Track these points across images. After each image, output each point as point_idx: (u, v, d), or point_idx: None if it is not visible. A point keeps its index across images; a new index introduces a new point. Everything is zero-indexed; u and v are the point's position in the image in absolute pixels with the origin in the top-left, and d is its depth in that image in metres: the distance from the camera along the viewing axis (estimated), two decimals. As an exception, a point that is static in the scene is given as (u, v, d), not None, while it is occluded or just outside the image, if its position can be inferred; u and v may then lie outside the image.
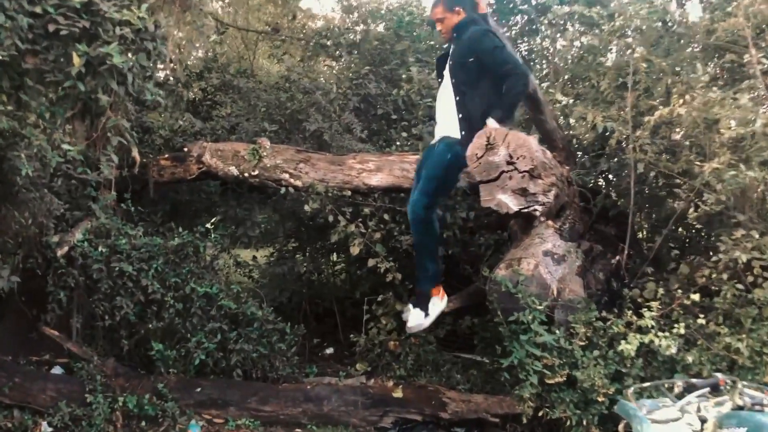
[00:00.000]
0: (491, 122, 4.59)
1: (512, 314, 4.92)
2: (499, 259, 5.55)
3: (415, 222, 4.76)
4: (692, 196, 5.26)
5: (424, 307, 4.87)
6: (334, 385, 5.67)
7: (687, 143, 5.50)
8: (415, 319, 4.88)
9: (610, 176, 6.77)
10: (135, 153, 5.68)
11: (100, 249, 5.51)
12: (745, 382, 3.30)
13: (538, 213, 4.87)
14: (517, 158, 4.71)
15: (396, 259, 5.97)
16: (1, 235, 4.96)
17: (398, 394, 5.39)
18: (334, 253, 8.42)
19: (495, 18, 5.93)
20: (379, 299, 6.16)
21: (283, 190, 6.27)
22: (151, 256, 5.66)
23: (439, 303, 4.92)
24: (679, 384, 3.50)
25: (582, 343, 4.92)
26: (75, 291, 5.60)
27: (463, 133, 4.70)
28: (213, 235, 6.18)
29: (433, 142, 5.02)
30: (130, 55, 3.87)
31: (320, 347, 7.39)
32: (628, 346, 4.71)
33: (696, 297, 4.89)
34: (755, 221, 5.02)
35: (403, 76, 7.13)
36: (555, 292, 5.05)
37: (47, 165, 4.71)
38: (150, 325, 5.55)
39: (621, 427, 3.74)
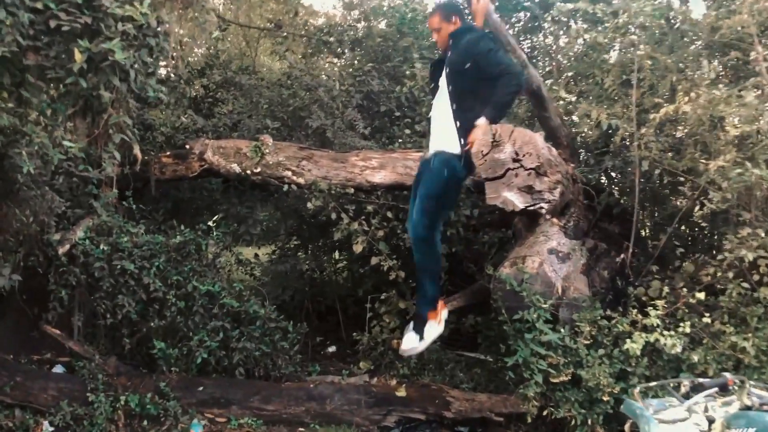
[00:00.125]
0: (481, 121, 4.45)
1: (517, 312, 4.89)
2: (504, 257, 5.53)
3: (417, 242, 4.62)
4: (697, 194, 5.24)
5: (420, 331, 4.71)
6: (337, 384, 5.65)
7: (691, 141, 5.47)
8: (409, 342, 4.73)
9: (613, 174, 6.75)
10: (136, 150, 5.65)
11: (101, 247, 5.48)
12: (752, 382, 3.27)
13: (543, 211, 4.85)
14: (523, 155, 4.68)
15: (399, 257, 5.95)
16: (2, 233, 4.94)
17: (401, 392, 5.36)
18: (336, 251, 8.40)
19: (498, 15, 5.86)
20: (383, 297, 6.13)
21: (285, 187, 6.25)
22: (152, 254, 5.63)
23: (435, 327, 4.75)
24: (685, 383, 3.48)
25: (587, 342, 4.90)
26: (76, 289, 5.57)
27: (462, 141, 4.53)
28: (215, 233, 6.15)
29: (426, 156, 4.82)
30: (132, 51, 3.82)
31: (323, 345, 7.36)
32: (634, 345, 4.69)
33: (701, 296, 4.86)
34: (761, 219, 5.00)
35: (407, 72, 7.09)
36: (560, 291, 5.02)
37: (48, 162, 4.68)
38: (152, 324, 5.52)
39: (627, 426, 3.71)
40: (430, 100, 6.47)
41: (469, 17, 5.23)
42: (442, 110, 4.68)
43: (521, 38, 8.42)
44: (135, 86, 3.94)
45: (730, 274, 4.89)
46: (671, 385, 3.60)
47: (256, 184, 6.80)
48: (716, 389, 3.24)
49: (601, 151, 6.35)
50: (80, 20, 3.64)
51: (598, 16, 6.95)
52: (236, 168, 6.45)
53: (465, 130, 4.51)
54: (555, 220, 5.37)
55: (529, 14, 8.33)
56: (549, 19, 8.03)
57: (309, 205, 6.03)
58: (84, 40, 3.65)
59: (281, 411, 5.27)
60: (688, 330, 4.75)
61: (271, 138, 6.54)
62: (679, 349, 4.71)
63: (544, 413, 4.93)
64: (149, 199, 6.91)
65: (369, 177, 6.09)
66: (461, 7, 4.91)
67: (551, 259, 5.11)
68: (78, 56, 3.64)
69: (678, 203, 6.06)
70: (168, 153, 6.94)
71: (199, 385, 5.35)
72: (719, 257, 4.94)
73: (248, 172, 6.40)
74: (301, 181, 6.23)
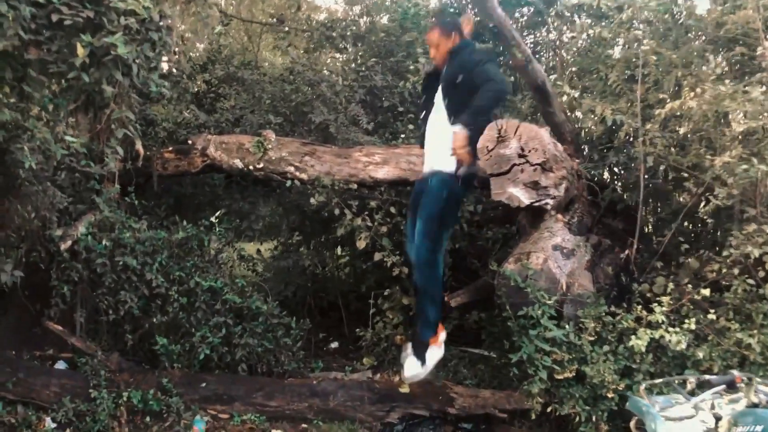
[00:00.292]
0: (456, 128, 4.37)
1: (521, 309, 4.88)
2: (507, 253, 5.51)
3: (420, 266, 4.58)
4: (702, 190, 5.21)
5: (421, 356, 4.64)
6: (340, 380, 5.64)
7: (696, 137, 5.45)
8: (412, 369, 4.66)
9: (616, 169, 6.73)
10: (139, 146, 5.61)
11: (103, 243, 5.46)
12: (759, 379, 3.24)
13: (549, 207, 4.83)
14: (529, 151, 4.66)
15: (402, 252, 5.92)
16: (4, 229, 4.91)
17: (405, 389, 5.34)
18: (339, 247, 8.38)
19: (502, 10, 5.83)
20: (386, 293, 6.11)
21: (288, 183, 6.22)
22: (155, 250, 5.62)
23: (437, 351, 4.70)
24: (691, 380, 3.45)
25: (591, 338, 4.89)
26: (78, 285, 5.55)
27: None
28: (218, 229, 6.13)
29: (423, 174, 4.76)
30: (134, 45, 3.79)
31: (325, 342, 7.35)
32: (639, 342, 4.67)
33: (706, 292, 4.84)
34: (766, 216, 4.98)
35: (410, 67, 7.05)
36: (564, 287, 5.00)
37: (50, 158, 4.65)
38: (154, 320, 5.51)
39: (632, 423, 3.69)
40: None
41: None
42: (438, 126, 4.63)
43: (525, 33, 8.38)
44: (137, 81, 3.91)
45: (736, 271, 4.87)
46: (676, 382, 3.57)
47: (258, 179, 6.77)
48: (724, 386, 3.22)
49: (605, 146, 6.33)
50: (82, 14, 3.61)
51: (603, 11, 6.94)
52: (239, 163, 6.42)
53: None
54: (559, 216, 5.35)
55: (533, 9, 8.28)
56: (553, 14, 7.99)
57: (312, 200, 6.01)
58: (86, 35, 3.62)
59: (284, 407, 5.26)
60: (693, 326, 4.73)
61: (274, 133, 6.51)
62: (683, 346, 4.69)
63: (549, 410, 4.93)
64: (151, 195, 6.89)
65: (372, 173, 6.06)
66: (460, 22, 4.82)
67: (556, 255, 5.09)
68: (80, 50, 3.61)
69: (681, 199, 6.04)
70: (170, 148, 6.91)
71: (202, 382, 5.34)
72: (724, 254, 4.92)
73: (251, 167, 6.38)
74: (304, 176, 6.20)
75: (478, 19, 7.64)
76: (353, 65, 8.23)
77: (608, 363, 4.76)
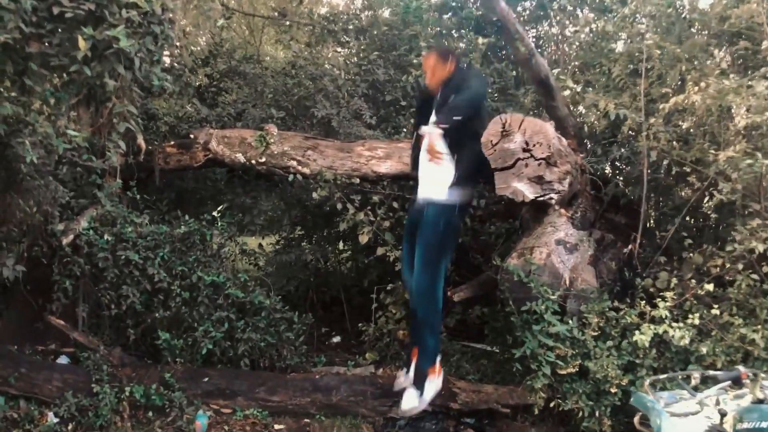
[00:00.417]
0: (426, 129, 4.37)
1: (524, 304, 4.87)
2: (510, 248, 5.50)
3: (420, 296, 4.54)
4: (705, 185, 5.19)
5: (420, 387, 4.61)
6: (342, 375, 5.63)
7: (700, 131, 5.43)
8: (410, 401, 4.62)
9: (618, 164, 6.71)
10: (140, 140, 5.61)
11: (105, 237, 5.45)
12: (764, 375, 3.23)
13: (553, 201, 4.80)
14: (534, 145, 4.63)
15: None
16: (6, 224, 4.90)
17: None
18: (341, 241, 8.37)
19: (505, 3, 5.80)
20: (389, 288, 6.09)
21: (291, 177, 6.20)
22: (157, 245, 5.60)
23: (435, 382, 4.67)
24: (695, 376, 3.43)
25: (595, 334, 4.89)
26: (81, 280, 5.54)
27: (458, 174, 4.44)
28: (220, 223, 6.12)
29: (418, 202, 4.64)
30: (136, 39, 3.77)
31: (328, 336, 7.34)
32: (643, 337, 4.67)
33: (710, 287, 4.83)
34: (770, 211, 4.96)
35: (414, 61, 7.02)
36: (567, 282, 5.00)
37: (52, 152, 4.64)
38: (156, 314, 5.50)
39: (636, 419, 3.68)
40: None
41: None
42: None
43: (527, 27, 8.35)
44: (140, 75, 3.90)
45: (740, 266, 4.85)
46: (680, 377, 3.56)
47: (260, 174, 6.75)
48: (729, 382, 3.20)
49: (608, 141, 6.31)
50: (84, 7, 3.59)
51: (606, 4, 6.92)
52: (241, 158, 6.40)
53: (461, 163, 4.44)
54: (563, 210, 5.33)
55: (535, 3, 8.26)
56: (556, 7, 7.97)
57: (315, 195, 5.99)
58: (88, 27, 3.60)
59: (287, 402, 5.25)
60: (696, 322, 4.72)
61: (276, 127, 6.49)
62: (687, 341, 4.68)
63: (551, 405, 4.92)
64: (153, 189, 6.87)
65: (375, 167, 6.04)
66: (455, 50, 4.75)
67: (559, 250, 5.08)
68: (82, 44, 3.59)
69: (683, 194, 6.02)
70: (172, 143, 6.89)
71: (204, 376, 5.33)
72: (728, 249, 4.90)
73: (253, 161, 6.35)
74: (306, 171, 6.18)
75: (481, 12, 7.64)
76: (355, 59, 8.20)
77: (611, 358, 4.76)
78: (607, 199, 5.93)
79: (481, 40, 7.08)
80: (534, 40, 8.01)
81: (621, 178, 6.51)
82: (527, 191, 4.67)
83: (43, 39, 3.75)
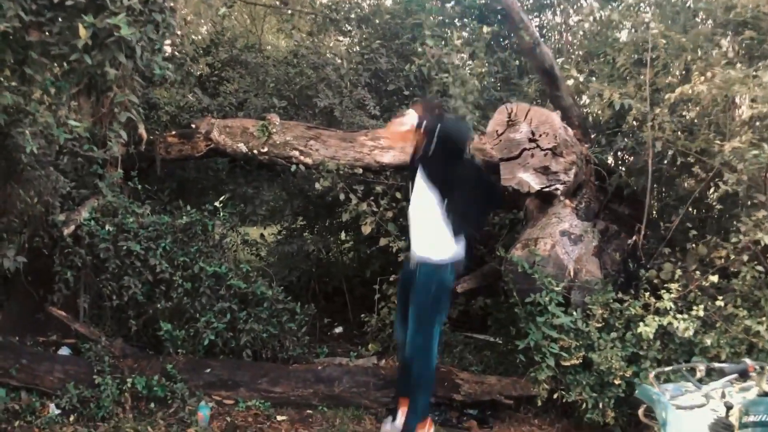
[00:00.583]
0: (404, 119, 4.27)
1: (528, 295, 4.85)
2: (514, 239, 5.48)
3: (415, 353, 4.45)
4: (711, 175, 5.16)
5: None
6: (345, 366, 5.62)
7: (705, 122, 5.39)
8: None
9: (620, 153, 6.68)
10: (141, 130, 5.58)
11: (107, 228, 5.42)
12: (771, 367, 3.21)
13: (559, 192, 4.77)
14: (540, 135, 4.60)
15: (408, 237, 5.88)
16: (6, 215, 4.87)
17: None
18: (343, 232, 8.35)
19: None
20: (392, 279, 6.07)
21: (293, 167, 6.16)
22: (158, 235, 5.58)
23: None
24: (701, 368, 3.41)
25: (599, 325, 4.86)
26: (82, 270, 5.52)
27: (450, 230, 4.33)
28: (222, 214, 6.09)
29: (412, 261, 4.49)
30: (137, 27, 3.73)
31: (330, 327, 7.33)
32: (647, 329, 4.65)
33: (714, 278, 4.81)
34: (776, 202, 4.92)
35: (419, 50, 6.97)
36: (572, 273, 4.97)
37: (53, 142, 4.60)
38: (158, 305, 5.48)
39: (641, 411, 3.66)
40: (443, 78, 6.31)
41: None
42: (420, 211, 4.47)
43: (531, 16, 8.30)
44: (141, 64, 3.85)
45: (744, 257, 4.83)
46: (685, 369, 3.53)
47: (262, 164, 6.71)
48: (736, 375, 3.18)
49: (612, 131, 6.27)
50: (84, -6, 3.56)
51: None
52: (243, 147, 6.37)
53: (452, 218, 4.33)
54: (567, 201, 5.30)
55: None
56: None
57: (317, 185, 5.95)
58: (88, 15, 3.55)
59: (289, 393, 5.23)
60: (701, 313, 4.69)
61: (278, 117, 6.45)
62: (691, 333, 4.66)
63: (555, 396, 4.91)
64: (154, 180, 6.84)
65: (378, 157, 6.00)
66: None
67: (563, 241, 5.05)
68: (82, 32, 3.54)
69: (687, 185, 5.99)
70: (174, 132, 6.85)
71: (207, 367, 5.31)
72: (733, 240, 4.87)
73: (255, 151, 6.32)
74: (308, 161, 6.15)
75: (485, 1, 7.58)
76: (358, 48, 8.15)
77: (615, 350, 4.74)
78: (611, 189, 5.90)
79: (485, 29, 7.03)
80: (537, 29, 7.95)
81: (623, 169, 6.48)
82: (533, 182, 4.65)
83: (43, 27, 3.71)
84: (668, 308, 4.71)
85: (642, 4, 6.70)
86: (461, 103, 5.84)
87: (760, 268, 4.77)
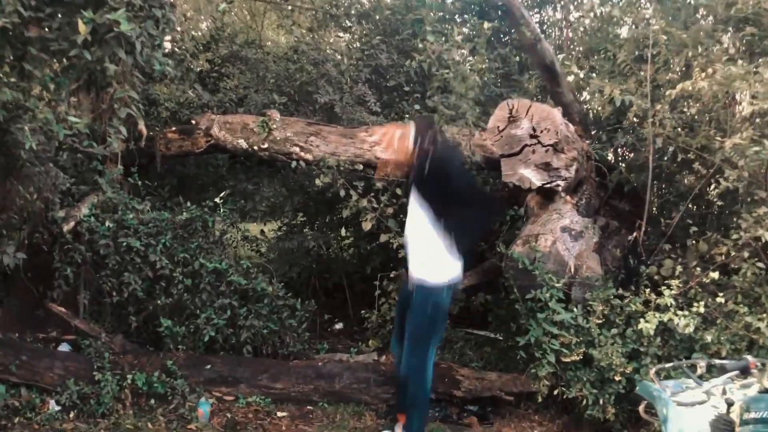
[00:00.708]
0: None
1: (529, 291, 4.84)
2: (514, 235, 5.47)
3: (411, 373, 4.43)
4: (711, 172, 5.15)
5: None
6: (345, 362, 5.62)
7: (705, 118, 5.38)
8: None
9: (620, 150, 6.67)
10: (141, 126, 5.57)
11: (107, 224, 5.42)
12: (772, 364, 3.20)
13: (560, 188, 4.76)
14: (541, 131, 4.59)
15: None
16: (6, 211, 4.86)
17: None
18: (343, 228, 8.34)
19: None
20: (392, 275, 6.06)
21: (293, 163, 6.15)
22: (159, 231, 5.58)
23: None
24: (701, 364, 3.40)
25: (599, 321, 4.86)
26: (82, 267, 5.51)
27: (452, 235, 4.27)
28: (222, 210, 6.08)
29: (409, 284, 4.45)
30: (137, 22, 3.71)
31: (330, 323, 7.33)
32: (648, 325, 4.64)
33: (715, 275, 4.80)
34: (777, 198, 4.92)
35: (419, 45, 6.95)
36: (572, 269, 4.96)
37: (52, 138, 4.58)
38: (158, 302, 5.47)
39: (641, 408, 3.65)
40: (444, 73, 6.27)
41: None
42: (415, 232, 4.45)
43: (531, 12, 8.28)
44: (141, 59, 3.84)
45: (745, 254, 4.82)
46: (686, 365, 3.53)
47: (263, 160, 6.71)
48: (737, 371, 3.17)
49: (613, 127, 6.26)
50: (84, -10, 3.55)
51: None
52: (243, 144, 6.37)
53: (450, 228, 4.29)
54: (568, 197, 5.30)
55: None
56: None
57: (317, 181, 5.94)
58: (88, 11, 3.53)
59: (289, 389, 5.23)
60: (701, 310, 4.69)
61: (279, 113, 6.44)
62: (692, 329, 4.65)
63: (555, 393, 4.90)
64: (154, 176, 6.83)
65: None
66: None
67: (564, 238, 5.04)
68: (82, 27, 3.53)
69: (687, 181, 5.98)
70: (174, 128, 6.85)
71: (207, 364, 5.31)
72: (733, 236, 4.86)
73: (255, 147, 6.32)
74: (309, 157, 6.14)
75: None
76: (358, 44, 8.13)
77: (616, 346, 4.74)
78: (611, 185, 5.90)
79: (486, 25, 7.01)
80: (538, 25, 7.94)
81: (623, 165, 6.47)
82: (534, 178, 4.64)
83: (43, 23, 3.69)
84: (669, 305, 4.71)
85: (643, 1, 6.68)
86: (462, 99, 5.82)
87: (760, 264, 4.76)
